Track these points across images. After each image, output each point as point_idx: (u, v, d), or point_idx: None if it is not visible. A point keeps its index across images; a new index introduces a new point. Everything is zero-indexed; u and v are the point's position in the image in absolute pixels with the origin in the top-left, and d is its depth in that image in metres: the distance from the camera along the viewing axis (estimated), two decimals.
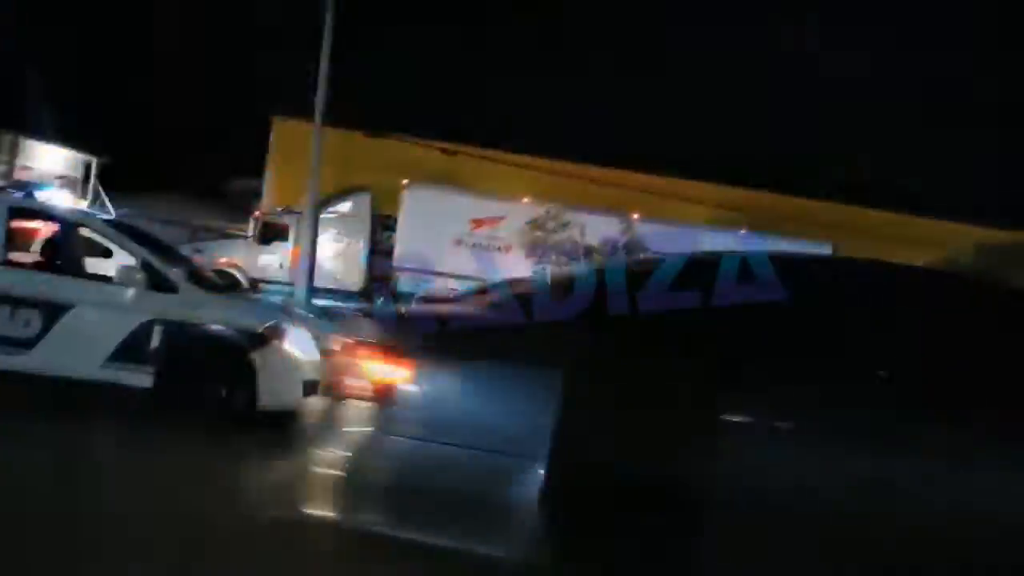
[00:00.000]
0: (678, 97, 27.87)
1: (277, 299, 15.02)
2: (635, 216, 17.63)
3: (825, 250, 18.58)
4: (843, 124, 28.78)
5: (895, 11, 29.89)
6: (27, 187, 7.10)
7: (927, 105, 27.12)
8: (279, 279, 16.89)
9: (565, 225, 16.93)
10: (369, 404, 3.32)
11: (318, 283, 16.96)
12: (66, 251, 6.97)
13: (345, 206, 17.82)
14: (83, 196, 19.22)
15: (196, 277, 7.22)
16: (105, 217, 7.45)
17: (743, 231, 18.74)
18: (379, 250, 17.88)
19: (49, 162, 20.38)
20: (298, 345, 6.84)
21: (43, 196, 7.30)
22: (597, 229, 17.06)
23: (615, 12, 31.31)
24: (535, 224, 17.13)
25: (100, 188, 9.28)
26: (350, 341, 3.58)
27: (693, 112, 27.49)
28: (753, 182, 21.55)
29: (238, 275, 16.51)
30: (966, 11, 28.25)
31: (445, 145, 19.85)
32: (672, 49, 29.76)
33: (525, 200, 17.84)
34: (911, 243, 20.03)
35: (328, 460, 3.53)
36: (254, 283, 16.63)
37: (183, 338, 6.54)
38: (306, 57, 15.86)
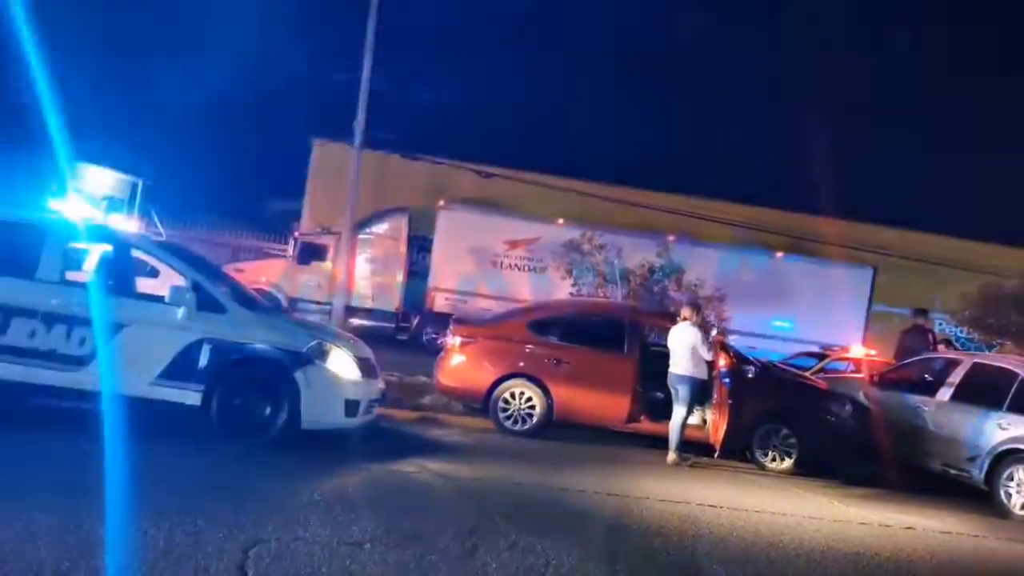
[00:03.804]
0: (715, 118, 27.80)
1: (316, 319, 15.25)
2: (671, 238, 17.56)
3: (867, 273, 18.37)
4: (885, 146, 28.41)
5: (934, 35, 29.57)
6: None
7: (972, 127, 26.71)
8: (317, 299, 17.10)
9: (601, 247, 16.90)
10: None
11: (355, 303, 17.20)
12: (120, 272, 7.17)
13: (382, 227, 18.02)
14: (130, 216, 19.69)
15: (242, 298, 7.37)
16: (156, 239, 7.64)
17: (780, 253, 18.55)
18: (415, 271, 18.03)
19: (96, 183, 20.92)
20: (340, 365, 6.95)
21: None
22: (633, 251, 17.00)
23: (652, 36, 31.37)
24: (571, 245, 17.14)
25: (152, 210, 9.51)
26: None
27: (731, 133, 27.40)
28: (791, 203, 21.36)
29: (277, 295, 16.74)
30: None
31: (480, 167, 20.01)
32: (710, 71, 29.73)
33: (560, 221, 17.89)
34: (954, 266, 19.71)
35: None
36: (293, 302, 16.86)
37: (230, 358, 6.69)
38: (346, 81, 16.20)
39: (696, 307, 9.35)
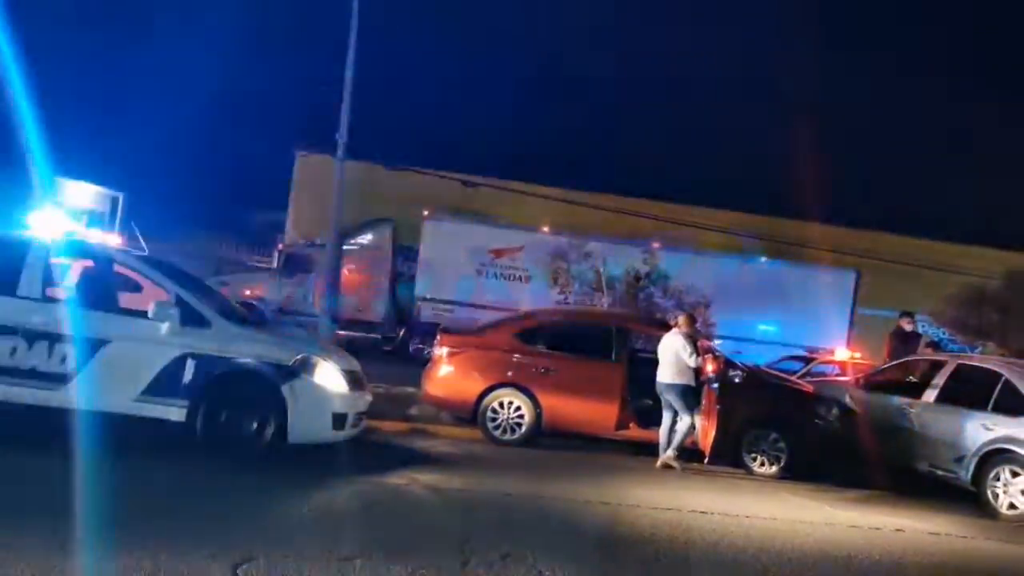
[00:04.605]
0: (698, 125, 28.00)
1: (301, 331, 15.12)
2: (656, 245, 17.63)
3: (850, 276, 18.51)
4: (865, 150, 28.72)
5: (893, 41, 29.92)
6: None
7: (952, 131, 27.08)
8: (302, 311, 16.99)
9: (587, 254, 16.94)
10: None
11: (341, 315, 17.09)
12: (102, 287, 7.09)
13: (367, 238, 17.98)
14: (111, 230, 19.56)
15: (227, 311, 7.29)
16: (138, 253, 7.57)
17: (764, 258, 18.68)
18: (401, 281, 17.98)
19: (77, 198, 20.73)
20: (327, 378, 6.90)
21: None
22: (618, 258, 17.04)
23: (634, 45, 31.58)
24: (557, 253, 17.16)
25: (133, 224, 9.45)
26: None
27: (713, 140, 27.61)
28: (774, 209, 21.54)
29: (262, 307, 16.62)
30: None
31: (465, 176, 20.03)
32: (692, 78, 29.95)
33: (545, 230, 17.93)
34: (936, 268, 19.92)
35: None
36: (278, 315, 16.74)
37: (215, 372, 6.62)
38: (329, 92, 16.15)
39: (691, 318, 9.34)
